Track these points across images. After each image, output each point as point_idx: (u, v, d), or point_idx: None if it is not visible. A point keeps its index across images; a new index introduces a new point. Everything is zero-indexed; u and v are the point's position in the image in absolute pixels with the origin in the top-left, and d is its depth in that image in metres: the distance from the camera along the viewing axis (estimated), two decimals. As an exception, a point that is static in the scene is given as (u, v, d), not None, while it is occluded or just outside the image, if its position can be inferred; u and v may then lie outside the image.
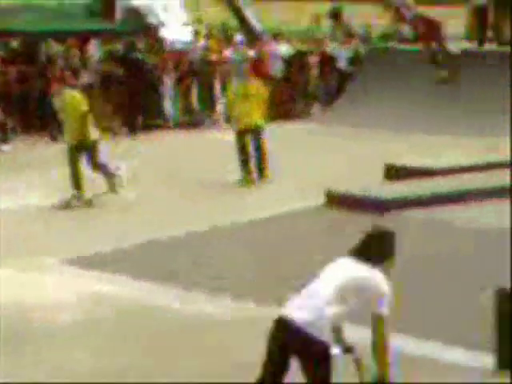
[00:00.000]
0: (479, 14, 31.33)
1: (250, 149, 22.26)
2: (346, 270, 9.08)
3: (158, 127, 29.72)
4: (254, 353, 10.49)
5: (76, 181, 20.14)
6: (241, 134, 22.28)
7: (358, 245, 9.33)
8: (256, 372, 9.79)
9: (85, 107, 19.98)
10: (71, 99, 20.36)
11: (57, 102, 21.44)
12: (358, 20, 38.19)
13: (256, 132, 22.31)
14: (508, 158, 21.11)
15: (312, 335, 8.88)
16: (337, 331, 9.10)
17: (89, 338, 13.13)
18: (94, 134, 20.15)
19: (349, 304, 8.83)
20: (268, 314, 11.07)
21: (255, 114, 22.46)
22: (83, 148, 20.10)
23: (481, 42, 31.34)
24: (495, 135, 25.19)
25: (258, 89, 22.97)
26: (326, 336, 8.86)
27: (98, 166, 20.48)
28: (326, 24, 37.56)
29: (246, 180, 21.97)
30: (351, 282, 8.88)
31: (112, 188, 20.47)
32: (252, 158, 22.38)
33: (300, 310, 9.01)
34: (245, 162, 22.14)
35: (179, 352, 12.60)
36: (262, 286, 15.16)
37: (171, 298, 14.85)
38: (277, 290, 13.96)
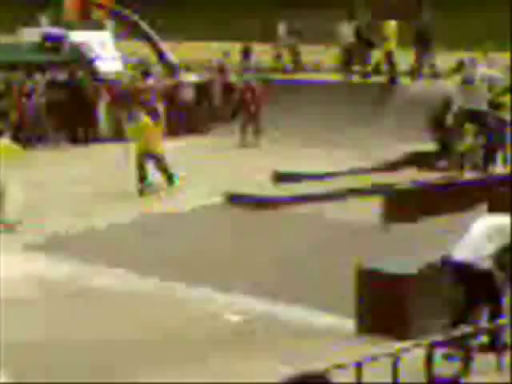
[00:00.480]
0: (348, 53, 33.40)
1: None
2: (491, 220, 11.80)
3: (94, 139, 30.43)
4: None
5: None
6: (138, 157, 23.19)
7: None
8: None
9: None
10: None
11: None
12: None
13: (151, 156, 23.32)
14: (369, 166, 22.50)
15: (477, 267, 11.13)
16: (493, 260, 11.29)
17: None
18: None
19: (495, 242, 11.35)
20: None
21: (149, 143, 23.35)
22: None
23: (349, 75, 33.16)
24: (366, 147, 25.96)
25: (147, 124, 23.80)
26: (487, 264, 11.18)
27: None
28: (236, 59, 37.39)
29: (139, 189, 22.91)
30: (495, 226, 11.50)
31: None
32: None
33: (462, 250, 11.45)
34: (139, 178, 22.98)
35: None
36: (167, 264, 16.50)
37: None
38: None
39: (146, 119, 24.26)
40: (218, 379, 10.44)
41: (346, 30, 33.55)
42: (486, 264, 11.12)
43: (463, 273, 11.32)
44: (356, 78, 33.36)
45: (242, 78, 33.88)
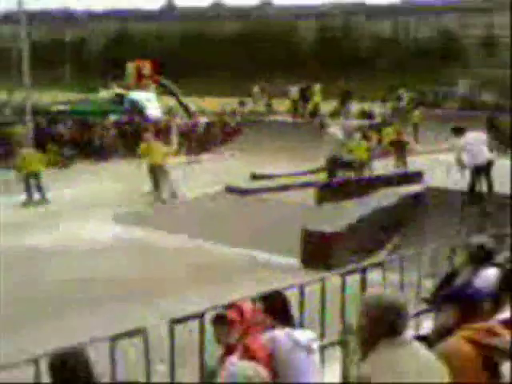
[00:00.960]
0: (295, 102, 33.45)
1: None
2: None
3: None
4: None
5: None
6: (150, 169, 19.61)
7: None
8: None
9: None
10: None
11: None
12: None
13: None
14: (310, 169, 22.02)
15: None
16: None
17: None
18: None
19: None
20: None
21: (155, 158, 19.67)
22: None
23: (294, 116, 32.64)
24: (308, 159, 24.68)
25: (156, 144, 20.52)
26: None
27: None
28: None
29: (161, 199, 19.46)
30: None
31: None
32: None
33: None
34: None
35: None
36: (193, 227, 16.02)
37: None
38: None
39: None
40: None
41: (293, 91, 33.11)
42: None
43: None
44: (300, 119, 32.66)
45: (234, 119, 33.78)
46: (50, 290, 11.56)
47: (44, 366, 4.36)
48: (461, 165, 13.72)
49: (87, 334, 4.90)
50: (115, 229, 16.29)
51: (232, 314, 4.23)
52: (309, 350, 4.38)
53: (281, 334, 4.38)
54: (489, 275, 5.26)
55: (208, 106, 38.17)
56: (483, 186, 14.09)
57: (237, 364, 3.60)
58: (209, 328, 4.81)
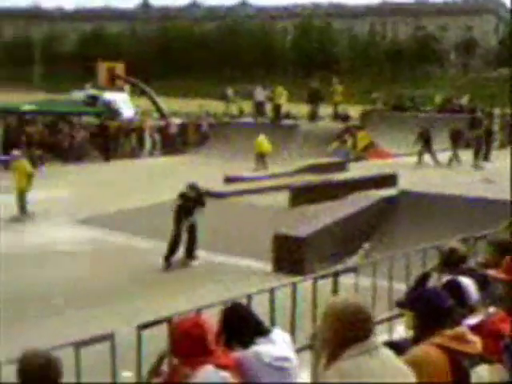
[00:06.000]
0: (260, 105, 32.90)
1: None
2: None
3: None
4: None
5: None
6: None
7: None
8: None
9: None
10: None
11: None
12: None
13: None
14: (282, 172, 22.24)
15: None
16: None
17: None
18: None
19: None
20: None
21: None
22: None
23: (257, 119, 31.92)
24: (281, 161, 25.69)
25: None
26: None
27: None
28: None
29: None
30: None
31: None
32: None
33: None
34: None
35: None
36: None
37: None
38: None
39: None
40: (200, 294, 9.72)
41: (258, 93, 33.03)
42: None
43: None
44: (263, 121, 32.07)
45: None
46: (7, 295, 11.22)
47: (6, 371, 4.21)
48: None
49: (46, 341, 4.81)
50: (78, 232, 16.09)
51: (194, 330, 3.96)
52: (280, 369, 4.17)
53: (248, 355, 4.15)
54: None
55: (182, 107, 38.23)
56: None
57: (212, 369, 3.68)
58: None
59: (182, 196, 14.11)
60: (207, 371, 3.77)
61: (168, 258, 13.58)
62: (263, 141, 26.02)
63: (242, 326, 4.30)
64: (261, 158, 26.10)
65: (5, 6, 65.97)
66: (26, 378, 3.60)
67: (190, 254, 13.90)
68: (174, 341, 4.05)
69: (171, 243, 13.75)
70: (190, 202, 13.97)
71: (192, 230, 13.97)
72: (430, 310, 3.83)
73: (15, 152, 19.30)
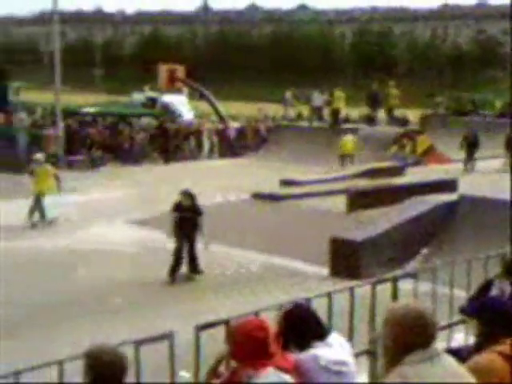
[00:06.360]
0: (317, 110, 32.55)
1: None
2: None
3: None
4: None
5: None
6: None
7: None
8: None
9: None
10: None
11: None
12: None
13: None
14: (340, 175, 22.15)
15: None
16: None
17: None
18: None
19: None
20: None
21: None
22: None
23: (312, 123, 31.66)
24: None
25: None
26: None
27: None
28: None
29: None
30: None
31: None
32: None
33: None
34: None
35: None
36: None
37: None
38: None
39: None
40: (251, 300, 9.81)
41: (316, 97, 32.85)
42: None
43: None
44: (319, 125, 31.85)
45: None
46: (68, 295, 11.58)
47: (69, 367, 4.33)
48: None
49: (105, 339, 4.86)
50: (137, 233, 16.22)
51: (258, 332, 3.90)
52: (338, 373, 4.14)
53: (306, 357, 4.11)
54: None
55: (241, 110, 38.32)
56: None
57: (274, 372, 3.70)
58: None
59: (178, 206, 13.18)
60: (269, 373, 3.77)
61: (173, 272, 12.81)
62: (348, 141, 25.73)
63: (303, 327, 4.26)
64: (343, 158, 25.91)
65: (69, 10, 67.34)
66: (95, 373, 3.57)
67: (194, 269, 13.03)
68: (235, 342, 4.01)
69: (174, 258, 12.92)
70: (187, 211, 13.04)
71: (192, 245, 13.08)
72: (496, 318, 3.77)
73: (38, 156, 18.32)
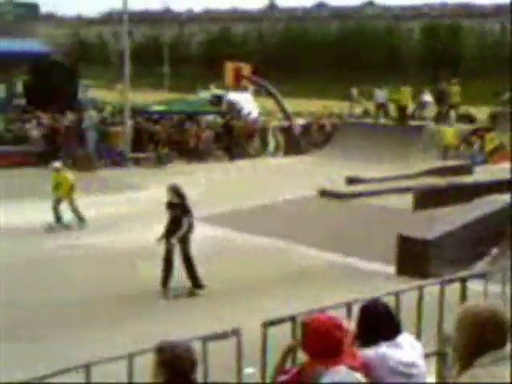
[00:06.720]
0: (381, 107, 32.27)
1: None
2: None
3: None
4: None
5: None
6: None
7: None
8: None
9: None
10: None
11: None
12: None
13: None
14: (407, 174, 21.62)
15: None
16: None
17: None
18: None
19: None
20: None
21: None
22: None
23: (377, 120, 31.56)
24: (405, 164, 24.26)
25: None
26: None
27: None
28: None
29: None
30: None
31: None
32: None
33: None
34: None
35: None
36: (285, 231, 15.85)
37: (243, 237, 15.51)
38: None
39: None
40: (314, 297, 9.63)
41: (379, 94, 32.57)
42: None
43: None
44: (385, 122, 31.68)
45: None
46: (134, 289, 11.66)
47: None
48: None
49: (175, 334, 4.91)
50: (204, 230, 16.25)
51: (334, 330, 3.86)
52: (406, 375, 4.07)
53: (375, 357, 4.06)
54: None
55: (306, 107, 38.19)
56: None
57: (347, 370, 3.70)
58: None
59: (169, 206, 11.92)
60: (341, 371, 3.77)
61: (165, 282, 11.64)
62: (447, 132, 25.29)
63: (376, 324, 4.22)
64: (445, 150, 25.57)
65: (136, 9, 68.40)
66: (168, 368, 3.56)
67: (195, 282, 11.74)
68: (308, 339, 3.99)
69: (164, 265, 11.72)
70: (177, 209, 11.79)
71: (186, 256, 11.78)
72: None
73: (56, 164, 17.79)
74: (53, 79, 32.19)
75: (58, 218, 16.93)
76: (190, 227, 11.85)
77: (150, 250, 12.28)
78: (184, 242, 11.79)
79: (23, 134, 28.24)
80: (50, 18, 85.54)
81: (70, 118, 29.43)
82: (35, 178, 21.52)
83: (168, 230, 11.81)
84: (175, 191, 12.00)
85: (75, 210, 17.09)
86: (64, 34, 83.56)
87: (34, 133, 28.18)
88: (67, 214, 17.02)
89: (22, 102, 34.30)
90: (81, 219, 17.02)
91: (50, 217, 16.74)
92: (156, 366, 3.60)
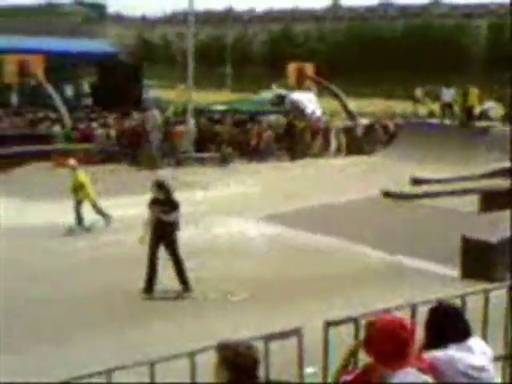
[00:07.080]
0: (447, 106, 32.02)
1: None
2: None
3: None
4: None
5: None
6: None
7: None
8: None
9: None
10: None
11: None
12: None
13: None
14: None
15: None
16: None
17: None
18: None
19: None
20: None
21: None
22: None
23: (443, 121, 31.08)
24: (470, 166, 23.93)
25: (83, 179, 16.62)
26: None
27: None
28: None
29: None
30: None
31: None
32: None
33: None
34: None
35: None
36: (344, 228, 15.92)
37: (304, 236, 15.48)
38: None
39: None
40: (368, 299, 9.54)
41: (446, 93, 32.10)
42: None
43: None
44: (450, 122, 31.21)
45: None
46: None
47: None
48: None
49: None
50: (265, 228, 16.31)
51: (401, 332, 3.80)
52: (475, 379, 4.00)
53: (443, 359, 4.00)
54: None
55: (369, 107, 37.86)
56: None
57: (415, 372, 3.67)
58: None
59: (153, 203, 11.15)
60: (409, 373, 3.73)
61: (148, 286, 11.07)
62: None
63: (445, 325, 4.17)
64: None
65: (200, 10, 69.04)
66: (232, 365, 3.57)
67: (185, 285, 11.30)
68: (374, 340, 3.93)
69: (148, 268, 11.07)
70: (164, 205, 11.06)
71: (174, 256, 11.19)
72: None
73: (71, 162, 17.18)
74: (119, 79, 32.70)
75: (79, 220, 16.55)
76: (177, 225, 11.21)
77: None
78: (172, 243, 11.20)
79: (89, 133, 28.69)
80: (117, 18, 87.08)
81: (135, 117, 29.84)
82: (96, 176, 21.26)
83: (155, 232, 11.13)
84: (160, 186, 11.35)
85: (98, 211, 16.72)
86: (130, 35, 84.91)
87: (100, 132, 28.61)
88: (90, 216, 16.70)
89: (89, 101, 34.95)
90: (106, 216, 16.72)
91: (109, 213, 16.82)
92: (218, 364, 3.61)
